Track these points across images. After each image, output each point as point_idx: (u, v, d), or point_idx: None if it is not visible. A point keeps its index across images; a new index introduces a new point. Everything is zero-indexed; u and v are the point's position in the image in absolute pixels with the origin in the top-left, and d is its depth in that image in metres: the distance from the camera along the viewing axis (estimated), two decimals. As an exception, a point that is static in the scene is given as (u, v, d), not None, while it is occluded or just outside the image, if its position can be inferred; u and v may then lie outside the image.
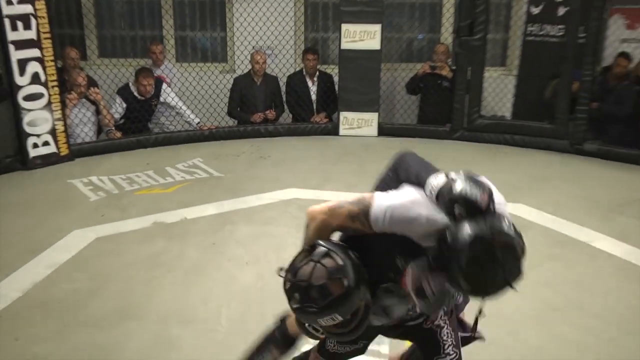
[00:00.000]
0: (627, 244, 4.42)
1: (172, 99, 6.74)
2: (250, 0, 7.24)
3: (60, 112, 5.93)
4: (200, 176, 5.79)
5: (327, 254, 1.81)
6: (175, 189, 5.46)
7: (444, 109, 7.03)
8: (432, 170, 1.96)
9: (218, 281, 3.89)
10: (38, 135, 5.83)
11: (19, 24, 5.53)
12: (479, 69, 6.80)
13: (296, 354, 2.52)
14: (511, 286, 1.70)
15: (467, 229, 1.67)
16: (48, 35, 5.73)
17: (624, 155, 6.25)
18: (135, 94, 6.54)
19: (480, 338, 2.20)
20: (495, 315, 3.53)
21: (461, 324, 2.33)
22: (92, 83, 6.44)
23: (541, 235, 4.58)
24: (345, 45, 6.91)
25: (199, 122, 6.89)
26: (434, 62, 7.05)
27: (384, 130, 7.15)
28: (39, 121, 5.81)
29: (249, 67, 7.09)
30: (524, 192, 5.34)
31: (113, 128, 6.51)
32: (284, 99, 7.26)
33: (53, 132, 5.91)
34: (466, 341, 2.30)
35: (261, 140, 6.88)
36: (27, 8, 5.55)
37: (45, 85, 5.77)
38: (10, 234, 4.49)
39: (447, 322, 2.18)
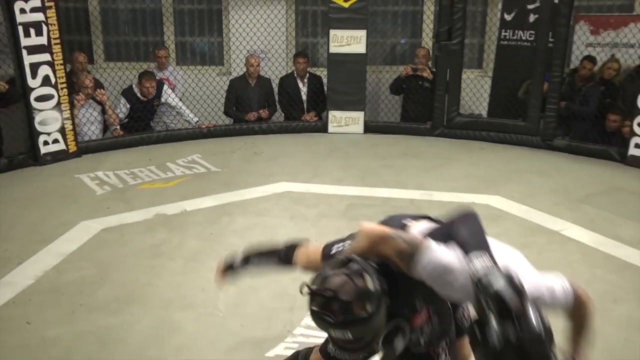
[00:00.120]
0: (594, 232, 4.43)
1: (173, 99, 6.70)
2: (245, 8, 7.21)
3: (69, 112, 5.89)
4: (199, 171, 5.76)
5: (361, 274, 1.71)
6: (176, 183, 5.43)
7: (425, 108, 7.02)
8: (482, 244, 1.83)
9: (215, 269, 3.86)
10: (48, 134, 5.79)
11: (32, 31, 5.51)
12: (457, 71, 6.79)
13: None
14: None
15: (496, 332, 1.61)
16: (58, 41, 5.69)
17: (590, 150, 6.27)
18: (138, 95, 6.50)
19: None
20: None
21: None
22: (98, 85, 6.40)
23: (515, 225, 4.58)
24: (334, 49, 6.88)
25: (197, 121, 6.86)
26: (415, 64, 7.03)
27: (370, 128, 7.13)
28: (49, 120, 5.77)
29: (244, 69, 7.06)
30: (499, 185, 5.35)
31: (118, 127, 6.47)
32: (277, 99, 7.23)
33: (62, 130, 5.87)
34: None
35: (255, 138, 6.84)
36: (39, 16, 5.53)
37: (55, 87, 5.73)
38: (22, 225, 4.46)
39: (447, 350, 2.09)
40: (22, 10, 5.41)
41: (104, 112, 6.37)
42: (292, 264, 2.37)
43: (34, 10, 5.48)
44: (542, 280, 1.86)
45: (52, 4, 5.58)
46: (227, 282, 2.69)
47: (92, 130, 6.32)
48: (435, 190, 5.21)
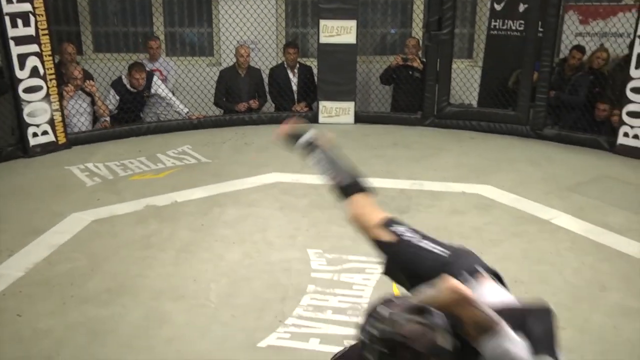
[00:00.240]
0: (583, 221, 4.44)
1: (163, 90, 6.66)
2: (235, -2, 7.18)
3: (58, 103, 5.84)
4: (189, 162, 5.73)
5: (441, 329, 1.59)
6: (166, 174, 5.40)
7: (415, 98, 7.02)
8: (553, 349, 1.72)
9: (207, 260, 3.86)
10: (37, 125, 5.74)
11: (19, 21, 5.43)
12: (447, 60, 6.78)
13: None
14: None
15: None
16: (46, 31, 5.61)
17: (579, 139, 6.28)
18: (128, 86, 6.46)
19: None
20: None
21: None
22: (87, 76, 6.35)
23: (505, 214, 4.60)
24: (324, 39, 6.86)
25: (187, 112, 6.82)
26: (405, 54, 7.03)
27: (360, 118, 7.12)
28: (38, 112, 5.71)
29: (234, 60, 7.02)
30: (489, 174, 5.36)
31: (107, 118, 6.43)
32: (267, 89, 7.21)
33: (51, 122, 5.82)
34: None
35: (246, 128, 6.82)
36: (26, 6, 5.45)
37: (43, 78, 5.67)
38: (12, 217, 4.43)
39: None
40: (9, 0, 5.33)
41: (93, 103, 6.33)
42: (344, 200, 2.22)
43: (21, 0, 5.40)
44: None
45: (39, -7, 5.52)
46: (280, 141, 2.53)
47: (81, 121, 6.28)
48: (425, 180, 5.22)
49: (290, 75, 7.12)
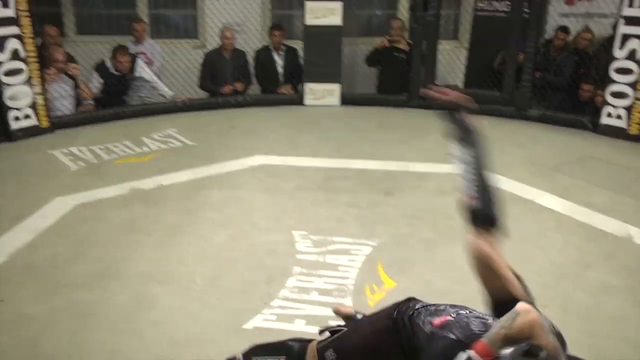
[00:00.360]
0: (567, 200, 4.47)
1: (147, 73, 6.60)
2: (219, -20, 7.10)
3: (40, 86, 5.76)
4: (174, 145, 5.69)
5: None
6: (152, 157, 5.36)
7: (401, 79, 7.01)
8: None
9: (193, 243, 3.85)
10: (19, 109, 5.66)
11: (-2, 3, 5.34)
12: (433, 42, 6.77)
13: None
14: None
15: None
16: (26, 13, 5.52)
17: (564, 120, 6.32)
18: (112, 70, 6.39)
19: None
20: (447, 268, 3.58)
21: None
22: (70, 59, 6.27)
23: (490, 194, 4.61)
24: (310, 21, 6.82)
25: (173, 95, 6.77)
26: (391, 36, 7.00)
27: (346, 100, 7.10)
28: (20, 95, 5.63)
29: (219, 42, 6.96)
30: (474, 155, 5.36)
31: (92, 102, 6.36)
32: (253, 72, 7.16)
33: (34, 105, 5.74)
34: None
35: (231, 111, 6.78)
36: (5, -13, 5.36)
37: (24, 61, 5.58)
38: (-6, 202, 4.38)
39: None
40: (-14, -18, 5.25)
41: (76, 86, 6.25)
42: (470, 224, 1.98)
43: (-1, -19, 5.32)
44: None
45: (18, -26, 5.42)
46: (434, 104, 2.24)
47: (64, 105, 6.20)
48: (411, 161, 5.22)
49: (276, 57, 7.08)
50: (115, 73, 6.39)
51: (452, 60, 7.14)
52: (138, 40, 6.87)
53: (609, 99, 5.91)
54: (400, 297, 2.00)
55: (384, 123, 6.40)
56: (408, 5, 7.35)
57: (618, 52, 5.78)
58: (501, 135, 6.01)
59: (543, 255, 3.70)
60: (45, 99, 5.84)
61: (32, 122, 5.76)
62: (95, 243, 3.82)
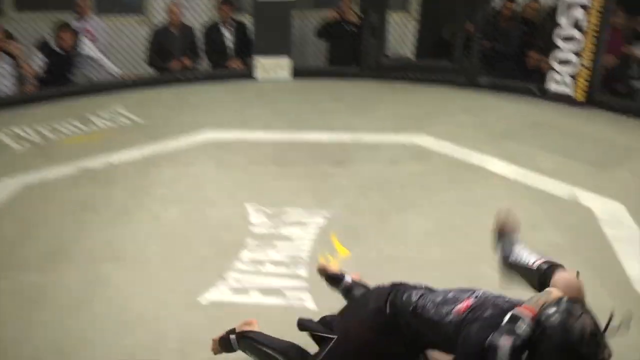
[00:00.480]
0: (516, 166, 4.59)
1: (92, 51, 6.43)
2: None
3: (-23, 66, 5.57)
4: (123, 123, 5.58)
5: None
6: (100, 136, 5.26)
7: (352, 51, 7.00)
8: None
9: (145, 221, 3.82)
10: (-44, 90, 5.48)
11: None
12: (383, 14, 6.78)
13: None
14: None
15: None
16: (-41, -11, 5.32)
17: (513, 88, 6.43)
18: (55, 48, 6.20)
19: None
20: (399, 236, 3.64)
21: None
22: (9, 37, 6.04)
23: (442, 162, 4.70)
24: (259, -5, 6.75)
25: (119, 72, 6.62)
26: (340, 8, 6.98)
27: (298, 73, 7.05)
28: (-44, 76, 5.45)
29: (166, 18, 6.83)
30: (425, 124, 5.43)
31: (35, 81, 6.17)
32: (202, 47, 7.05)
33: (-28, 86, 5.56)
34: None
35: (181, 87, 6.67)
36: None
37: (-41, 39, 5.39)
38: (-64, 187, 4.25)
39: None
40: None
41: (18, 65, 6.05)
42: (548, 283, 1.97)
43: None
44: None
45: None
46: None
47: (5, 85, 5.99)
48: (363, 133, 5.26)
49: (225, 32, 6.99)
50: (59, 51, 6.20)
51: (402, 31, 7.17)
52: (81, 17, 6.66)
53: (555, 65, 6.04)
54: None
55: (335, 95, 6.41)
56: (357, -23, 7.33)
57: (563, 20, 5.91)
58: (451, 104, 6.12)
59: (492, 219, 3.79)
60: (-16, 79, 5.65)
61: (-29, 103, 5.58)
62: (44, 224, 3.75)
